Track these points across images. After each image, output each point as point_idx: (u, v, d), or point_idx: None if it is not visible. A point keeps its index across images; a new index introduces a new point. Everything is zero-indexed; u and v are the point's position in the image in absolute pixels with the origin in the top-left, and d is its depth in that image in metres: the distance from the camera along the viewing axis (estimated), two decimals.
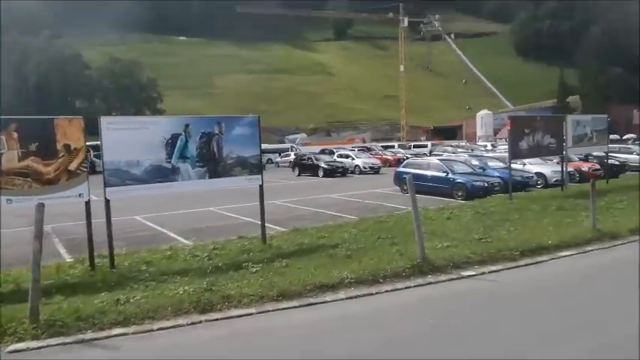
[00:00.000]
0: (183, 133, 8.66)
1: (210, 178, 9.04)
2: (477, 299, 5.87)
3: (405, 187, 20.15)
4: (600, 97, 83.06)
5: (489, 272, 6.81)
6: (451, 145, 48.32)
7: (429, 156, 33.46)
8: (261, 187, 9.80)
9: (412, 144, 58.85)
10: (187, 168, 8.74)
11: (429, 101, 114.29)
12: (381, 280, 6.40)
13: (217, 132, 9.13)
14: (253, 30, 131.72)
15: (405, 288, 6.20)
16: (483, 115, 68.63)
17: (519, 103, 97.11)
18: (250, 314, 5.45)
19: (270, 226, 12.77)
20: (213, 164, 9.06)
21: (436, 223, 10.87)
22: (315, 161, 31.63)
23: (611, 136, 54.73)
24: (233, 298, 5.72)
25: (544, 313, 5.37)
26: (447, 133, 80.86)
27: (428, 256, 7.16)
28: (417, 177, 19.67)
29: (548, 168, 20.19)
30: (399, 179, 20.28)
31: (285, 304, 5.70)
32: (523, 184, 18.52)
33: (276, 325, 5.25)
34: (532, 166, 20.67)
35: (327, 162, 31.38)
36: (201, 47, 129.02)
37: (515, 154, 14.77)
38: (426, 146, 53.37)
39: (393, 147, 53.42)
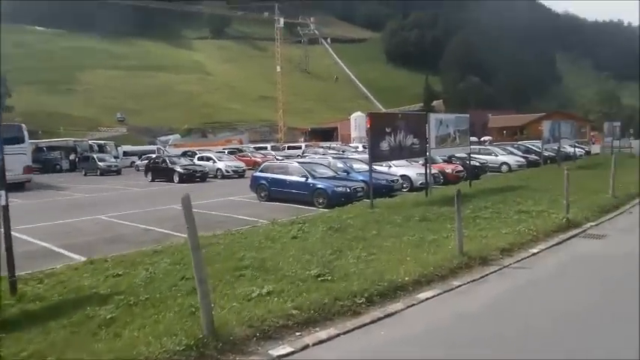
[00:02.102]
0: None
1: None
2: None
3: (263, 194, 17.80)
4: (460, 102, 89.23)
5: (315, 344, 4.33)
6: (322, 147, 47.22)
7: (300, 157, 31.52)
8: (5, 209, 6.45)
9: (286, 145, 57.19)
10: None
11: (307, 103, 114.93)
12: None
13: None
14: (122, 24, 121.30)
15: None
16: (357, 117, 69.22)
17: (390, 106, 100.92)
18: None
19: (69, 254, 9.55)
20: None
21: (275, 247, 8.35)
22: (170, 165, 27.84)
23: (471, 138, 58.31)
24: None
25: None
26: (324, 135, 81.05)
27: (227, 319, 4.53)
28: (275, 182, 17.38)
29: (413, 170, 19.09)
30: (256, 185, 17.81)
31: None
32: (388, 189, 17.19)
33: None
34: (398, 168, 19.53)
35: (183, 166, 27.76)
36: (60, 39, 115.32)
37: (376, 155, 12.94)
38: (299, 147, 51.92)
39: (265, 148, 51.05)
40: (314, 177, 16.21)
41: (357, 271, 6.25)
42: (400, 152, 13.71)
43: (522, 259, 7.10)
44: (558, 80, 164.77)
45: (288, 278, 6.05)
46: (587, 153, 39.15)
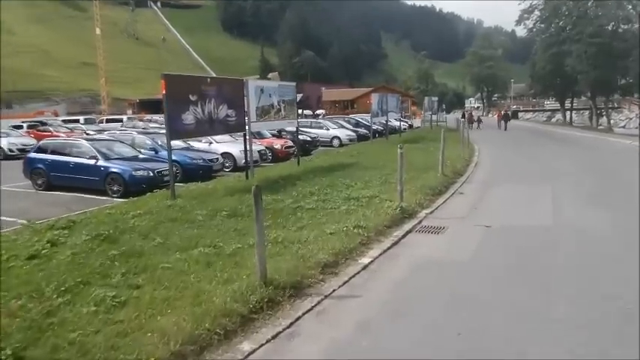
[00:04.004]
0: None
1: None
2: None
3: (40, 182, 13.59)
4: (296, 75, 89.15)
5: None
6: (143, 120, 41.99)
7: (120, 132, 26.66)
8: None
9: (104, 118, 49.98)
10: None
11: (136, 72, 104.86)
12: None
13: None
14: None
15: None
16: None
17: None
18: None
19: None
20: None
21: None
22: None
23: (305, 112, 58.13)
24: None
25: None
26: (155, 107, 73.55)
27: None
28: (56, 166, 13.15)
29: (237, 147, 16.61)
30: (30, 170, 13.61)
31: None
32: (206, 170, 14.59)
33: None
34: (219, 145, 16.95)
35: None
36: None
37: (177, 130, 10.06)
38: (120, 121, 45.66)
39: (77, 121, 43.62)
40: (107, 158, 12.73)
41: (77, 340, 3.53)
42: (211, 126, 11.01)
43: (350, 279, 5.11)
44: (384, 58, 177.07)
45: None
46: (410, 126, 41.11)
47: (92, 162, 12.53)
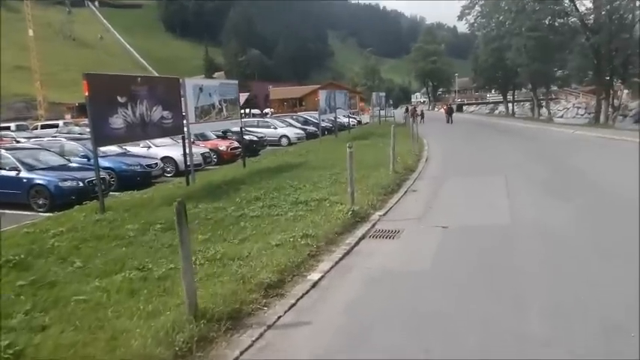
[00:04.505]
0: None
1: None
2: None
3: None
4: (242, 74, 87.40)
5: None
6: (79, 125, 39.77)
7: (49, 139, 24.71)
8: None
9: (39, 124, 47.02)
10: None
11: (74, 74, 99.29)
12: None
13: None
14: None
15: None
16: None
17: None
18: None
19: None
20: None
21: None
22: None
23: (254, 111, 56.95)
24: None
25: None
26: None
27: None
28: None
29: (178, 150, 15.57)
30: None
31: None
32: (144, 176, 13.59)
33: None
34: (159, 149, 15.91)
35: None
36: None
37: (104, 136, 9.07)
38: (56, 126, 43.10)
39: (8, 128, 40.69)
40: (32, 168, 11.49)
41: None
42: (144, 130, 10.04)
43: (298, 301, 4.46)
44: (331, 55, 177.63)
45: None
46: (359, 122, 41.02)
47: (13, 174, 11.27)
